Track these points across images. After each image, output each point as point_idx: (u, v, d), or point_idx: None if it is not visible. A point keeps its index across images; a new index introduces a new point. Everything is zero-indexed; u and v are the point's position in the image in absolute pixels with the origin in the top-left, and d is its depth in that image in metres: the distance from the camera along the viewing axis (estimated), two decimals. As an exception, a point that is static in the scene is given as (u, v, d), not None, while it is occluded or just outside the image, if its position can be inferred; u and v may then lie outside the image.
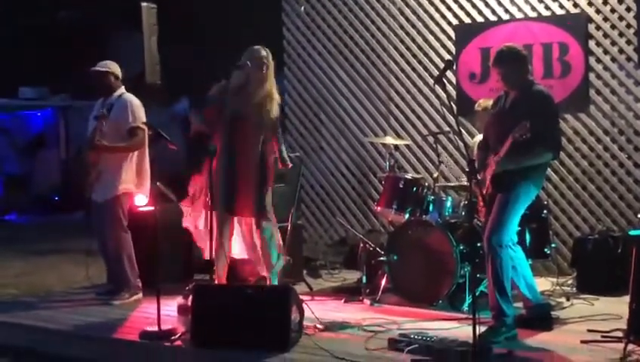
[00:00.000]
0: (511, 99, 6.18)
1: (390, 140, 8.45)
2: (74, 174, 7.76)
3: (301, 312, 5.92)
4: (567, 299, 7.20)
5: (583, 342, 5.74)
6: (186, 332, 5.94)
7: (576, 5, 8.52)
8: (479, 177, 6.01)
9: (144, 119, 7.51)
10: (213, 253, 6.49)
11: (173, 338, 5.97)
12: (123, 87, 7.64)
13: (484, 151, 6.32)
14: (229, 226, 6.82)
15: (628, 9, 8.24)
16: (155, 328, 6.10)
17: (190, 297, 5.97)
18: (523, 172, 5.99)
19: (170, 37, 8.56)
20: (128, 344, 6.09)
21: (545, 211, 7.44)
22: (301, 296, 6.24)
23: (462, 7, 9.13)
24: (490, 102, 6.89)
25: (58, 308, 7.39)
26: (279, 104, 6.83)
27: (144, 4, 7.90)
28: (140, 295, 7.56)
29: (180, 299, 6.26)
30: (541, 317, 6.30)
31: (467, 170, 5.66)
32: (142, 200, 7.58)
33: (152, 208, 7.11)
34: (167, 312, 6.39)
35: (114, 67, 7.63)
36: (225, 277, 6.82)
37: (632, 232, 6.60)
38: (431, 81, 9.01)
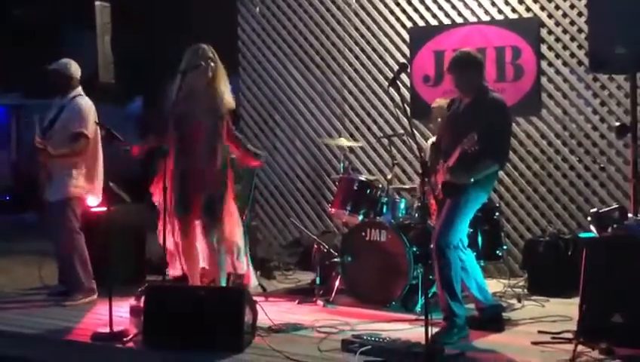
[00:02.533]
0: (465, 105, 6.23)
1: (344, 142, 8.47)
2: (26, 174, 7.69)
3: (254, 313, 5.91)
4: (519, 301, 7.27)
5: (533, 343, 5.80)
6: (138, 333, 5.90)
7: (528, 10, 8.62)
8: (432, 180, 6.07)
9: (92, 123, 7.41)
10: (183, 259, 6.55)
11: (125, 339, 5.93)
12: (79, 88, 7.55)
13: (437, 152, 6.37)
14: (192, 228, 6.77)
15: (579, 14, 8.35)
16: (107, 329, 6.05)
17: (142, 298, 5.93)
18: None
19: (125, 36, 8.50)
20: (80, 345, 6.03)
21: (497, 213, 7.51)
22: (255, 298, 6.24)
23: (416, 10, 9.18)
24: (446, 101, 6.92)
25: (9, 309, 7.29)
26: (231, 104, 6.76)
27: (97, 2, 7.83)
28: (95, 296, 7.47)
29: (132, 301, 6.23)
30: (493, 318, 6.36)
31: (420, 171, 5.70)
32: (94, 201, 7.52)
33: (104, 209, 7.05)
34: (120, 314, 6.35)
35: (70, 67, 7.52)
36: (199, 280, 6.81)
37: (582, 235, 6.68)
38: (385, 84, 9.06)
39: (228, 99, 6.72)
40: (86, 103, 7.48)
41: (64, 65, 7.52)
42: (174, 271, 6.84)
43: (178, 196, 6.59)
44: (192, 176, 6.62)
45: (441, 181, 6.14)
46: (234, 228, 6.86)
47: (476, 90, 6.18)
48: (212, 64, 6.66)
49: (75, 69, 7.56)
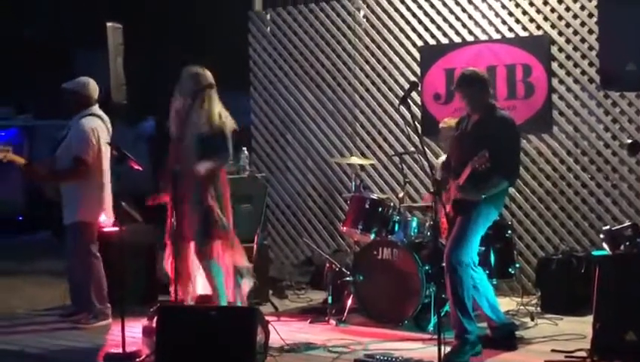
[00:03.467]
0: (473, 123, 6.24)
1: (356, 160, 8.46)
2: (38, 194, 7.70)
3: (266, 333, 5.90)
4: (532, 319, 7.24)
5: None
6: (150, 354, 5.89)
7: (539, 27, 8.62)
8: (443, 198, 6.07)
9: (92, 146, 7.31)
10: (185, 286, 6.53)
11: (137, 360, 5.93)
12: (94, 107, 7.50)
13: (447, 170, 6.37)
14: (186, 251, 6.69)
15: (590, 31, 8.34)
16: (120, 350, 6.05)
17: (154, 318, 5.93)
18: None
19: (138, 57, 8.54)
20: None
21: (509, 231, 7.49)
22: (267, 317, 6.22)
23: (427, 29, 9.20)
24: (454, 121, 6.94)
25: (21, 331, 7.31)
26: (220, 123, 6.63)
27: (109, 24, 7.87)
28: (109, 321, 7.39)
29: (144, 321, 6.22)
30: (505, 337, 6.33)
31: (432, 190, 5.70)
32: (106, 221, 7.51)
33: (116, 229, 7.06)
34: (132, 334, 6.35)
35: (82, 87, 7.46)
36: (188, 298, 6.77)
37: (595, 252, 6.67)
38: (396, 102, 9.05)
39: (215, 118, 6.62)
40: (89, 124, 7.35)
41: (81, 84, 7.49)
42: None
43: (174, 219, 6.54)
44: (183, 200, 6.56)
45: (452, 199, 6.14)
46: (229, 250, 6.79)
47: (484, 108, 6.21)
48: (202, 87, 6.60)
49: (92, 89, 7.50)
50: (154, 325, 5.90)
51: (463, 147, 6.13)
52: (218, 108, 6.70)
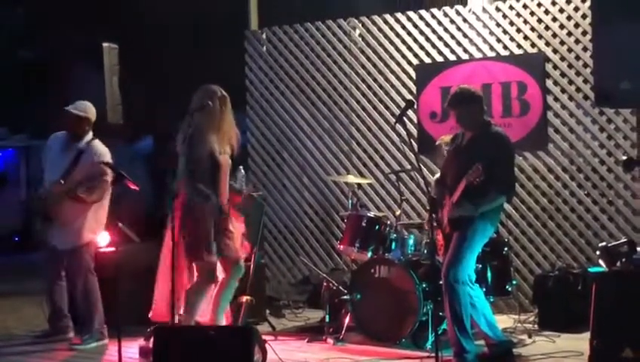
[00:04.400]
0: (467, 139, 6.27)
1: (352, 179, 8.47)
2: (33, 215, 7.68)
3: (264, 353, 5.90)
4: (529, 336, 7.24)
5: (544, 379, 5.78)
6: (147, 374, 5.89)
7: (533, 45, 8.66)
8: (439, 215, 6.08)
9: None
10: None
11: (134, 380, 5.92)
12: (91, 131, 7.56)
13: (442, 186, 6.38)
14: (184, 270, 6.70)
15: (584, 49, 8.38)
16: (117, 370, 6.04)
17: (151, 339, 5.92)
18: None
19: (134, 75, 8.55)
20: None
21: (506, 248, 7.49)
22: (264, 336, 6.23)
23: (422, 47, 9.24)
24: (450, 138, 6.96)
25: (18, 352, 7.29)
26: (211, 145, 6.61)
27: (105, 44, 7.90)
28: (106, 341, 7.43)
29: (141, 341, 6.21)
30: (503, 354, 6.33)
31: (428, 207, 5.71)
32: (103, 241, 7.52)
33: (113, 249, 7.06)
34: (129, 354, 6.34)
35: (90, 112, 7.51)
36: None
37: (592, 269, 6.68)
38: (392, 120, 9.09)
39: (207, 137, 6.61)
40: (104, 147, 7.50)
41: (89, 108, 7.52)
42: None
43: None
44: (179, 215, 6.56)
45: (448, 216, 6.15)
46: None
47: (477, 125, 6.24)
48: (218, 105, 6.65)
49: (93, 113, 7.55)
50: (151, 345, 5.90)
51: (459, 163, 6.16)
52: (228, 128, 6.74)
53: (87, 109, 7.52)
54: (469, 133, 6.28)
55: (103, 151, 7.47)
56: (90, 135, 7.53)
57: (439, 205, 6.25)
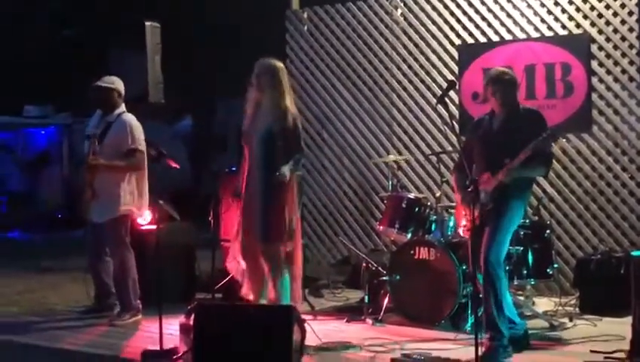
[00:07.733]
0: (500, 120, 6.22)
1: (392, 158, 8.44)
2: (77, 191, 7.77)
3: (303, 332, 5.90)
4: (570, 320, 7.18)
5: (585, 362, 5.73)
6: (187, 351, 5.92)
7: (578, 26, 8.54)
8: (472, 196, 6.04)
9: (143, 141, 7.50)
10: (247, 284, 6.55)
11: (175, 357, 5.96)
12: (124, 105, 7.61)
13: (461, 172, 6.26)
14: (254, 252, 6.78)
15: (630, 29, 8.25)
16: (158, 347, 6.09)
17: (192, 316, 5.96)
18: (519, 190, 6.06)
19: (174, 56, 8.58)
20: (130, 363, 6.09)
21: (547, 231, 7.42)
22: (303, 316, 6.23)
23: (465, 28, 9.15)
24: None
25: (59, 327, 7.38)
26: (291, 116, 6.74)
27: (148, 23, 7.91)
28: (140, 316, 7.49)
29: (182, 318, 6.25)
30: (519, 338, 6.24)
31: (468, 189, 5.66)
32: (143, 219, 7.56)
33: (154, 227, 7.10)
34: (170, 331, 6.38)
35: (118, 84, 7.57)
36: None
37: (635, 253, 6.58)
38: (434, 101, 9.03)
39: (288, 109, 6.72)
40: (134, 120, 7.54)
41: (111, 82, 7.56)
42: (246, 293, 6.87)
43: (242, 219, 6.63)
44: (252, 197, 6.63)
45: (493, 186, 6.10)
46: (299, 253, 6.86)
47: (510, 106, 6.21)
48: (271, 78, 6.68)
49: (120, 85, 7.60)
50: (191, 323, 5.93)
51: (493, 146, 6.13)
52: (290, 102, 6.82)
53: (115, 81, 7.57)
54: (500, 114, 6.24)
55: (132, 122, 7.50)
56: (122, 108, 7.58)
57: (461, 187, 6.22)
